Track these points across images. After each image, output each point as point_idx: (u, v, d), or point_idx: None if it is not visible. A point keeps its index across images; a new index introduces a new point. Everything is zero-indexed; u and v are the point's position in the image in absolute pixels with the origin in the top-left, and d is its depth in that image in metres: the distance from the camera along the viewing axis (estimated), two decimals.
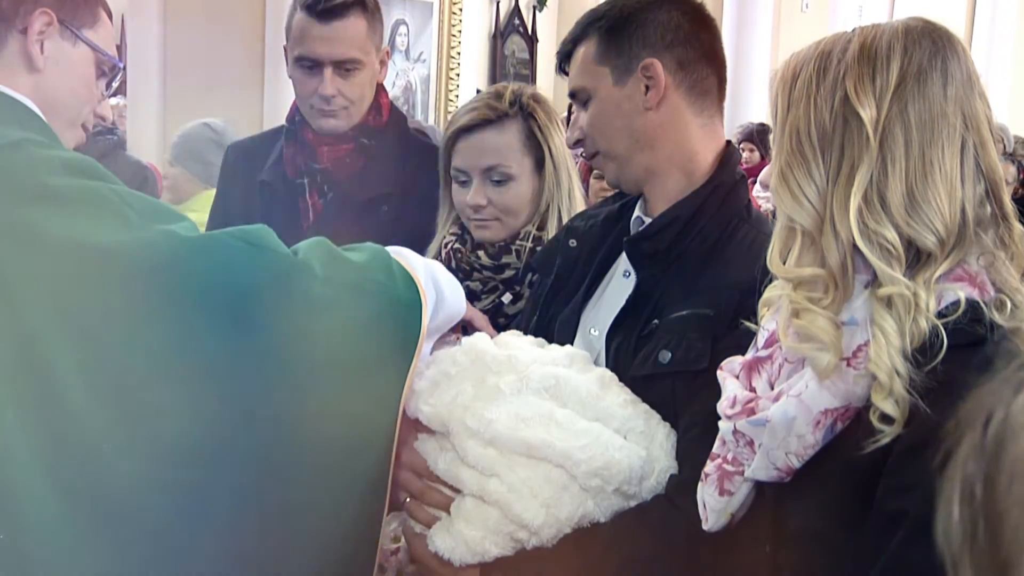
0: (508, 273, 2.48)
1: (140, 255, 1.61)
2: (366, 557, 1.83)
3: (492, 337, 2.01)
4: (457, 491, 1.83)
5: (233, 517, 1.65)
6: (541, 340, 2.05)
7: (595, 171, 4.90)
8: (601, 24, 2.03)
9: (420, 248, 2.57)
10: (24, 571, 1.53)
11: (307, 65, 2.74)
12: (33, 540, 1.53)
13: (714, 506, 1.62)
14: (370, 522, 1.82)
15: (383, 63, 2.85)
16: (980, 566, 0.72)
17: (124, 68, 2.02)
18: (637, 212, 2.11)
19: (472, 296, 2.45)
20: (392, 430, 1.81)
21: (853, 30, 1.54)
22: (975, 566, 0.73)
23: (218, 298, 1.66)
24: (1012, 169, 7.19)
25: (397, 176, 2.81)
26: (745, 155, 7.18)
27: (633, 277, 2.03)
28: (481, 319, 2.16)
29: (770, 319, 1.62)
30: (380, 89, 2.88)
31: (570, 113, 7.26)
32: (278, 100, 5.39)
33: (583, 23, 2.07)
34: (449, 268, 2.46)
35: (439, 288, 1.98)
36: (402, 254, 1.97)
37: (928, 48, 1.48)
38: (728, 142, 2.09)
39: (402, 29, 7.34)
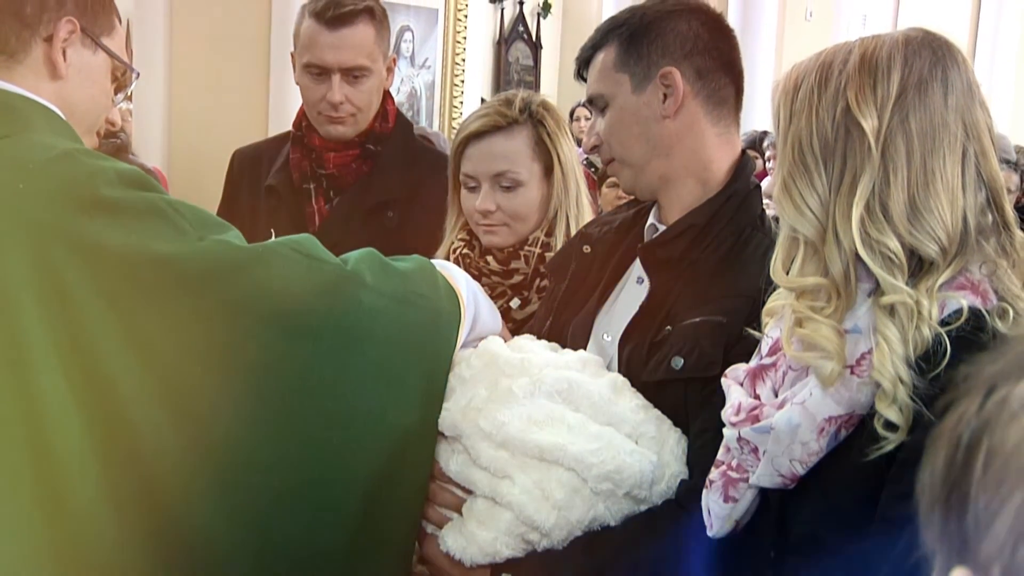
0: (516, 278, 2.49)
1: (197, 265, 1.64)
2: (404, 559, 1.88)
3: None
4: (469, 492, 1.85)
5: (273, 519, 1.68)
6: (555, 345, 2.06)
7: (609, 179, 4.91)
8: (621, 31, 2.04)
9: (426, 254, 2.58)
10: (73, 546, 1.57)
11: (315, 72, 2.76)
12: (80, 524, 1.57)
13: (719, 512, 1.63)
14: (410, 526, 1.87)
15: (390, 70, 2.88)
16: (946, 531, 0.73)
17: (138, 75, 2.03)
18: (651, 219, 2.11)
19: None
20: (429, 434, 1.85)
21: (854, 41, 1.55)
22: (941, 529, 0.74)
23: (274, 307, 1.69)
24: (1015, 178, 7.20)
25: (403, 182, 2.83)
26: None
27: (646, 283, 2.03)
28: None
29: (773, 327, 1.63)
30: (387, 96, 2.91)
31: (572, 119, 7.24)
32: (283, 106, 5.39)
33: (603, 30, 2.08)
34: None
35: (478, 306, 2.01)
36: (447, 268, 2.00)
37: (928, 58, 1.49)
38: (743, 151, 2.09)
39: (407, 36, 7.34)
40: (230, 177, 3.04)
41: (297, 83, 2.84)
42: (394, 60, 2.92)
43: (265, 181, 2.89)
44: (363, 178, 2.84)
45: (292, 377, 1.69)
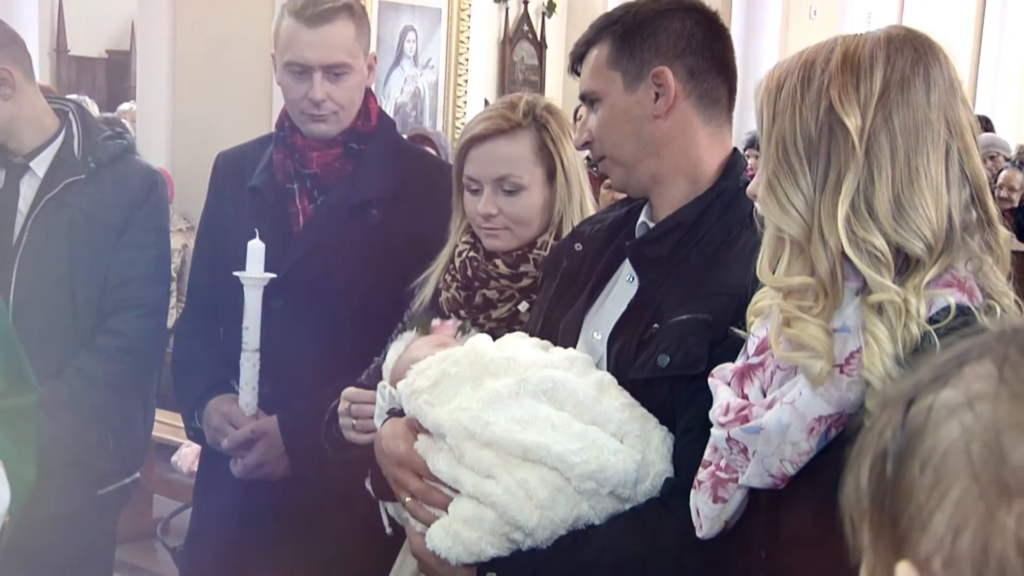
0: (526, 282, 2.48)
1: None
2: None
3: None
4: (456, 491, 1.86)
5: None
6: (546, 343, 2.06)
7: (606, 180, 4.91)
8: (615, 29, 2.03)
9: (417, 255, 2.59)
10: None
11: (296, 70, 2.77)
12: None
13: (708, 513, 1.63)
14: None
15: (371, 68, 2.89)
16: (879, 534, 0.76)
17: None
18: (642, 217, 2.10)
19: (488, 305, 2.46)
20: None
21: (835, 39, 1.55)
22: (874, 533, 0.77)
23: None
24: (1020, 176, 7.20)
25: (386, 181, 2.84)
26: (751, 161, 7.16)
27: (636, 281, 2.03)
28: None
29: (760, 326, 1.62)
30: (368, 94, 2.92)
31: (575, 118, 7.30)
32: None
33: (597, 26, 2.07)
34: (465, 276, 2.47)
35: None
36: None
37: (910, 56, 1.49)
38: (734, 150, 2.09)
39: (410, 35, 7.35)
40: (213, 179, 3.05)
41: (279, 83, 2.86)
42: (375, 58, 2.94)
43: (249, 182, 2.90)
44: (346, 177, 2.85)
45: None
